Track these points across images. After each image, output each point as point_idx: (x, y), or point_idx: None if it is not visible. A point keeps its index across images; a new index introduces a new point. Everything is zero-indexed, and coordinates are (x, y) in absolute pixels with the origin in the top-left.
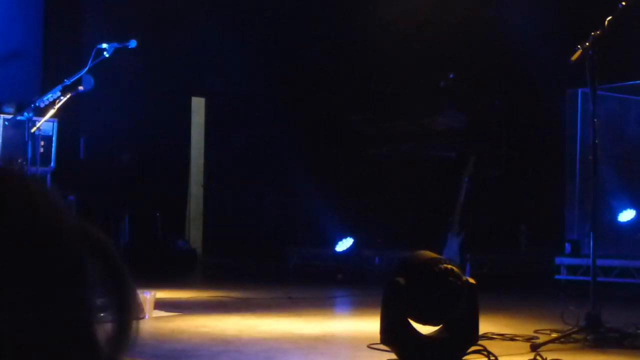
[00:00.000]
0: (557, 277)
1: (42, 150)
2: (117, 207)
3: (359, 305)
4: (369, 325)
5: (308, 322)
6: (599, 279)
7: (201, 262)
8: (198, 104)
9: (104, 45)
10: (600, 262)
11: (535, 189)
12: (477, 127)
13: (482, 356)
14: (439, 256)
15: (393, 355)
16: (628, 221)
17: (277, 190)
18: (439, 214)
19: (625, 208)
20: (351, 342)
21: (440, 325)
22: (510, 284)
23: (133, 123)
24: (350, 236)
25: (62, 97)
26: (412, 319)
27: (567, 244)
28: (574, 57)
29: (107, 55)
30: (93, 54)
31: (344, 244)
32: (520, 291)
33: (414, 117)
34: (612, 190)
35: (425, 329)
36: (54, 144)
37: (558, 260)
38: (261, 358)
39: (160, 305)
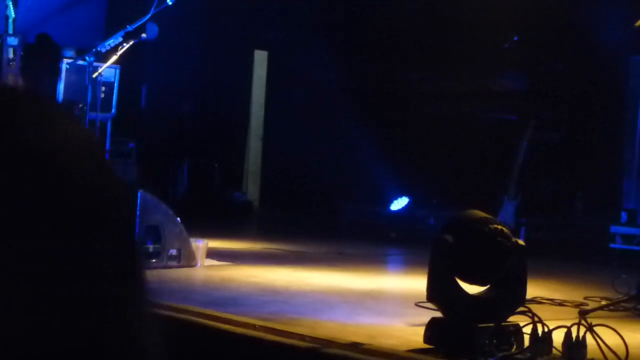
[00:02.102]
0: (612, 245)
1: (103, 95)
2: (176, 157)
3: (411, 263)
4: (419, 283)
5: (357, 277)
6: None
7: (257, 215)
8: (261, 57)
9: None
10: None
11: (595, 156)
12: (539, 91)
13: (528, 318)
14: (490, 216)
15: (439, 313)
16: None
17: (334, 147)
18: (497, 177)
19: None
20: (399, 299)
21: (487, 286)
22: (564, 250)
23: (195, 73)
24: (406, 196)
25: (124, 44)
26: (459, 278)
27: (623, 213)
28: (639, 22)
29: (170, 3)
30: (156, 1)
31: (399, 203)
32: (573, 258)
33: (475, 77)
34: None
35: (472, 288)
36: (115, 91)
37: (613, 228)
38: (307, 309)
39: (213, 254)
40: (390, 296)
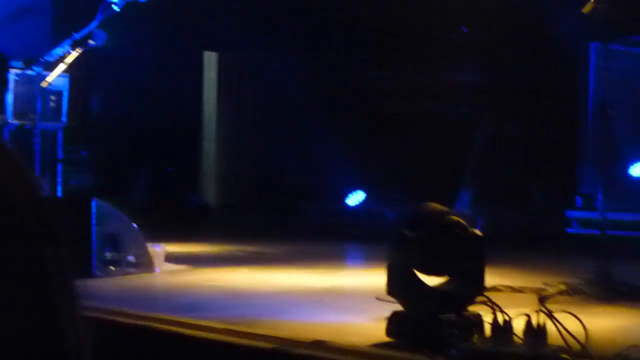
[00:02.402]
0: (568, 230)
1: (53, 105)
2: (130, 163)
3: (370, 258)
4: (379, 278)
5: (318, 275)
6: (610, 232)
7: (214, 217)
8: (211, 59)
9: None
10: (611, 215)
11: (550, 143)
12: (491, 82)
13: (488, 307)
14: (447, 209)
15: (400, 307)
16: None
17: (290, 145)
18: (453, 169)
19: (637, 161)
20: (360, 295)
21: (447, 277)
22: (522, 238)
23: (145, 78)
24: (362, 190)
25: (72, 52)
26: (418, 271)
27: (578, 198)
28: (586, 8)
29: (117, 9)
30: (102, 7)
31: (355, 198)
32: (531, 245)
33: (429, 72)
34: (624, 145)
35: (431, 280)
36: (65, 99)
37: (569, 213)
38: (270, 310)
39: (171, 258)
40: (351, 292)
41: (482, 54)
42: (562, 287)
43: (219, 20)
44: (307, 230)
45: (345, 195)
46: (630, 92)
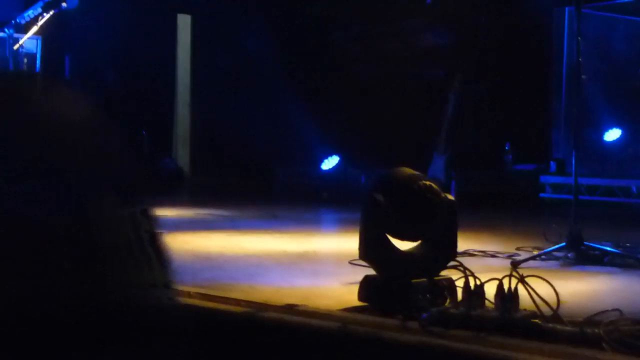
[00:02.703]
0: (541, 195)
1: (25, 67)
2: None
3: (344, 223)
4: (352, 242)
5: (292, 239)
6: (583, 197)
7: (188, 181)
8: (184, 22)
9: None
10: (584, 180)
11: (522, 108)
12: (464, 45)
13: (460, 272)
14: (418, 173)
15: (373, 271)
16: (614, 140)
17: (263, 109)
18: (425, 133)
19: (611, 127)
20: (333, 259)
21: (419, 242)
22: (495, 202)
23: (118, 41)
24: (336, 154)
25: (44, 14)
26: (390, 235)
27: (552, 163)
28: None
29: None
30: None
31: (330, 162)
32: (505, 209)
33: (400, 35)
34: (598, 110)
35: (403, 245)
36: (38, 62)
37: (543, 178)
38: (242, 274)
39: None
40: (324, 256)
41: (455, 17)
42: (535, 252)
43: None
44: (282, 194)
45: (320, 160)
46: (605, 58)
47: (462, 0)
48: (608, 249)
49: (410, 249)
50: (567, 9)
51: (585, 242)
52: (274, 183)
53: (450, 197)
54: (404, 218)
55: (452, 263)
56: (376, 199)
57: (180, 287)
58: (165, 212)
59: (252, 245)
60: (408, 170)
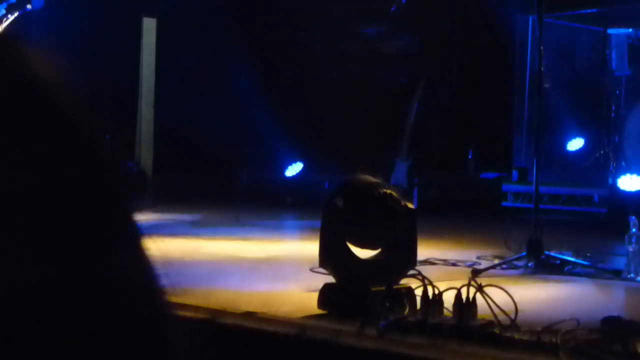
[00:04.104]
0: (503, 204)
1: None
2: None
3: (306, 229)
4: (314, 248)
5: (253, 244)
6: (544, 206)
7: (151, 185)
8: (149, 25)
9: None
10: (546, 189)
11: (485, 115)
12: (428, 52)
13: (419, 280)
14: (379, 180)
15: (332, 279)
16: (577, 149)
17: (229, 113)
18: (389, 138)
19: (574, 136)
20: (294, 265)
21: (379, 249)
22: (457, 210)
23: (83, 44)
24: (300, 160)
25: (8, 15)
26: (350, 242)
27: (514, 172)
28: None
29: None
30: None
31: (294, 169)
32: (467, 217)
33: (365, 40)
34: (561, 119)
35: (363, 253)
36: None
37: (505, 187)
38: (202, 279)
39: None
40: (285, 262)
41: (419, 23)
42: (496, 261)
43: None
44: (245, 198)
45: (284, 165)
46: (568, 67)
47: (427, 7)
48: (569, 258)
49: (370, 256)
50: (530, 17)
51: (546, 252)
52: (237, 187)
53: (410, 205)
54: (364, 225)
55: (411, 271)
56: (336, 206)
57: None
58: None
59: (213, 250)
60: (368, 178)
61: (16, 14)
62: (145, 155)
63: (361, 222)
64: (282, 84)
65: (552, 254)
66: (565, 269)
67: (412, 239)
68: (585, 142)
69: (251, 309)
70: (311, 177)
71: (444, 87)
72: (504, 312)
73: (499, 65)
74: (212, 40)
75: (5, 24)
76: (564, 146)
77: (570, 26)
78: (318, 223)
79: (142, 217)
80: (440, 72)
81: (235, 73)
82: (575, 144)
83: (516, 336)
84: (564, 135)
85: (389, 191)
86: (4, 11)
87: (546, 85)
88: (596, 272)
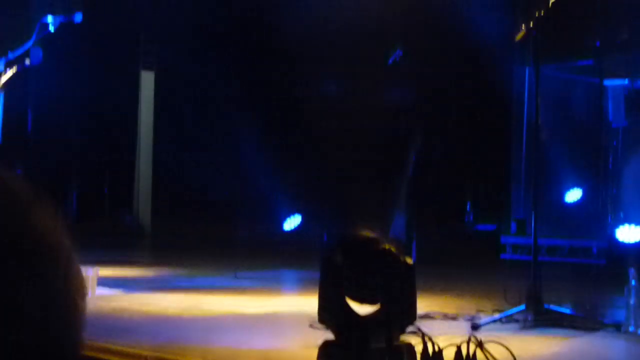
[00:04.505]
0: (502, 256)
1: None
2: (64, 183)
3: (305, 283)
4: (313, 303)
5: (252, 300)
6: (543, 258)
7: (149, 238)
8: (147, 78)
9: (49, 19)
10: (545, 241)
11: (482, 167)
12: (425, 104)
13: (419, 337)
14: (377, 236)
15: (332, 335)
16: (575, 201)
17: (226, 166)
18: (386, 191)
19: (571, 188)
20: (293, 321)
21: (378, 305)
22: (456, 262)
23: (81, 98)
24: (299, 213)
25: (7, 71)
26: (349, 298)
27: (512, 223)
28: (518, 37)
29: (52, 30)
30: (38, 27)
31: (292, 222)
32: (465, 269)
33: (363, 93)
34: (559, 170)
35: (362, 309)
36: (0, 118)
37: (503, 239)
38: (200, 336)
39: (104, 282)
40: (284, 318)
41: (416, 76)
42: (495, 314)
43: (154, 39)
44: (243, 251)
45: (282, 218)
46: (565, 118)
47: (423, 60)
48: (568, 311)
49: (369, 313)
50: (526, 68)
51: (545, 304)
52: (235, 240)
53: (409, 260)
54: (363, 281)
55: (411, 328)
56: (335, 262)
57: (134, 350)
58: (125, 272)
59: (211, 305)
60: (367, 233)
61: (15, 70)
62: (144, 208)
63: (360, 278)
64: (280, 137)
65: (552, 307)
66: (565, 322)
67: (411, 295)
68: (583, 193)
69: None
70: (309, 230)
71: (441, 140)
72: None
73: (496, 116)
74: (209, 93)
75: (4, 79)
76: (562, 197)
77: (567, 77)
78: (317, 276)
79: (140, 270)
80: (437, 124)
81: (233, 126)
82: (573, 195)
83: None
84: (561, 186)
85: (387, 246)
86: (2, 67)
87: (543, 137)
88: (596, 325)
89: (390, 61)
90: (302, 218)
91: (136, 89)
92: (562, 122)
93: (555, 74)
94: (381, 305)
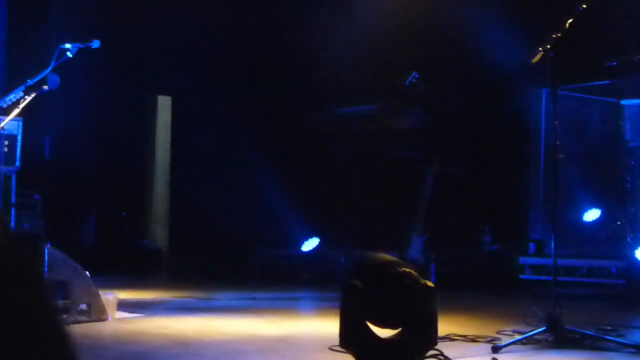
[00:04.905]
0: (521, 277)
1: (6, 149)
2: (82, 207)
3: (324, 306)
4: (333, 326)
5: (271, 323)
6: (562, 279)
7: (166, 261)
8: (164, 103)
9: (67, 46)
10: (564, 262)
11: (500, 188)
12: (442, 127)
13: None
14: (397, 259)
15: (352, 359)
16: (593, 221)
17: (243, 189)
18: (404, 214)
19: (590, 208)
20: (313, 344)
21: (399, 329)
22: (475, 284)
23: (99, 122)
24: (316, 236)
25: (26, 97)
26: (370, 322)
27: (531, 244)
28: (535, 59)
29: (70, 56)
30: (56, 54)
31: (310, 244)
32: (485, 291)
33: (379, 116)
34: (576, 190)
35: (383, 332)
36: (18, 143)
37: (522, 260)
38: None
39: (124, 306)
40: (303, 341)
41: (432, 99)
42: (516, 336)
43: (171, 65)
44: (261, 274)
45: (300, 241)
46: (581, 138)
47: (439, 83)
48: (589, 332)
49: (390, 336)
50: (543, 90)
51: (566, 326)
52: (253, 262)
53: (430, 283)
54: (384, 305)
55: (431, 352)
56: (355, 286)
57: None
58: (144, 295)
59: (230, 328)
60: (387, 257)
61: (33, 95)
62: (161, 232)
63: (381, 302)
64: (297, 161)
65: (572, 328)
66: (586, 343)
67: (432, 318)
68: (602, 213)
69: None
70: (327, 252)
71: (458, 161)
72: None
73: (513, 137)
74: (226, 118)
75: (22, 105)
76: (580, 217)
77: (584, 98)
78: (335, 298)
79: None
80: (454, 146)
81: (250, 150)
82: (591, 215)
83: None
84: (579, 207)
85: (407, 270)
86: (22, 93)
87: (561, 157)
88: (617, 346)
89: (407, 83)
90: (320, 240)
91: (153, 114)
92: (579, 142)
93: (572, 94)
94: (402, 329)
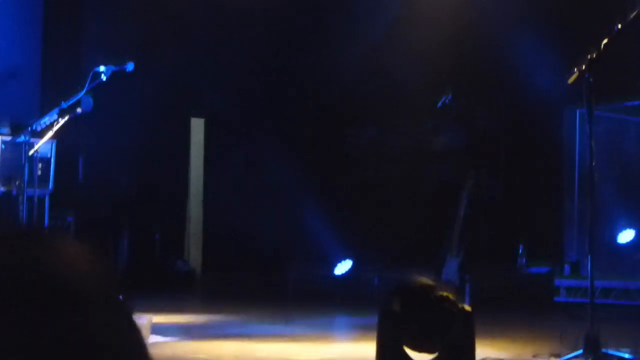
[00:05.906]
0: (556, 299)
1: (40, 172)
2: (115, 229)
3: (358, 328)
4: (367, 349)
5: (305, 346)
6: (598, 300)
7: (200, 283)
8: (197, 125)
9: (102, 68)
10: (599, 283)
11: (535, 208)
12: (477, 146)
13: None
14: (434, 282)
15: None
16: (628, 242)
17: (276, 211)
18: (439, 234)
19: (624, 228)
20: None
21: (436, 353)
22: (510, 305)
23: (132, 144)
24: (350, 258)
25: (59, 120)
26: (407, 347)
27: (566, 266)
28: (571, 79)
29: (104, 79)
30: (90, 76)
31: (343, 266)
32: (520, 313)
33: (413, 137)
34: (611, 211)
35: (420, 357)
36: (52, 166)
37: (557, 282)
38: None
39: (158, 329)
40: None
41: (466, 118)
42: (552, 359)
43: (204, 87)
44: (295, 297)
45: (333, 262)
46: (616, 158)
47: (474, 102)
48: (627, 355)
49: None
50: (577, 110)
51: (603, 349)
52: (286, 285)
53: (467, 307)
54: (421, 329)
55: None
56: (392, 310)
57: None
58: (178, 319)
59: (265, 352)
60: (424, 281)
61: (67, 118)
62: (195, 253)
63: (418, 326)
64: (330, 181)
65: (610, 351)
66: None
67: (469, 342)
68: (636, 234)
69: None
70: (361, 275)
71: (492, 182)
72: None
73: (548, 158)
74: (259, 139)
75: (56, 128)
76: (615, 238)
77: (618, 117)
78: (369, 321)
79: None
80: (488, 166)
81: (283, 171)
82: (626, 236)
83: None
84: (614, 227)
85: (445, 293)
86: (55, 116)
87: (596, 177)
88: None
89: (440, 104)
90: (353, 262)
91: (186, 136)
92: (613, 162)
93: (606, 115)
94: (439, 353)
